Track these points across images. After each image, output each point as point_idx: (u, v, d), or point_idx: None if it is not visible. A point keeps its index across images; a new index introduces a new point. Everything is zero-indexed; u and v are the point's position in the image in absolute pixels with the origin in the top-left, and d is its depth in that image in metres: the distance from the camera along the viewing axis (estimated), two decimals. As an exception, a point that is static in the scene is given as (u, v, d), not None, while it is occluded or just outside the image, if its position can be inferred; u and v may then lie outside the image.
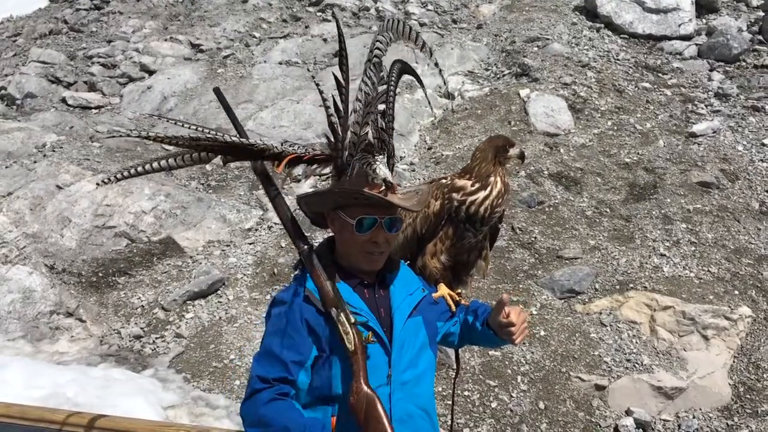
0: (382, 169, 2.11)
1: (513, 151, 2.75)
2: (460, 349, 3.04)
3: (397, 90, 2.35)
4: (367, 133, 2.20)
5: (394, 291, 2.32)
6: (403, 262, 2.53)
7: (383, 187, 2.14)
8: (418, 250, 2.80)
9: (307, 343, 2.12)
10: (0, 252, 6.99)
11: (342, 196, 2.18)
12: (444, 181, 2.75)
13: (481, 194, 2.64)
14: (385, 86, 2.27)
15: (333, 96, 2.23)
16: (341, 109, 2.22)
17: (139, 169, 2.25)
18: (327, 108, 2.22)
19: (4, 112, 10.77)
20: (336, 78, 2.23)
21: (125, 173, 2.25)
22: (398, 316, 2.25)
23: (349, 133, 2.21)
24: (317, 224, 2.45)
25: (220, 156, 2.29)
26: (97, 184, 2.35)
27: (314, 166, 2.36)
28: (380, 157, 2.17)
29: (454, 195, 2.66)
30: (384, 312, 2.26)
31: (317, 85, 2.31)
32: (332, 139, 2.24)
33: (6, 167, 8.23)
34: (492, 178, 2.65)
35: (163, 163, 2.27)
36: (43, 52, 12.21)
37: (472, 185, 2.65)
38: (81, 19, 14.05)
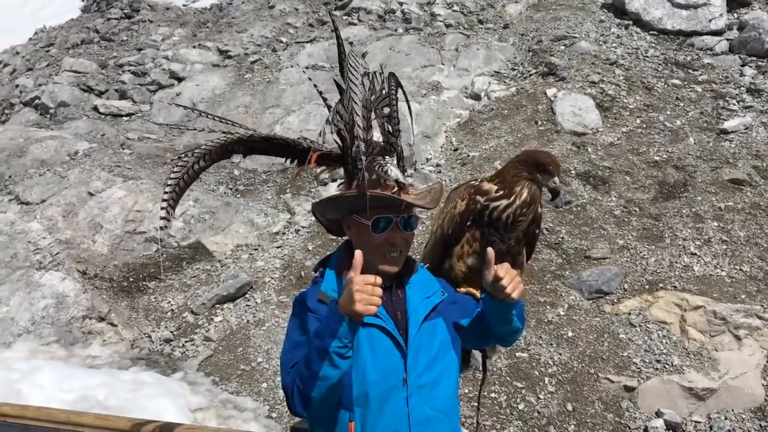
0: (392, 170, 2.13)
1: (544, 180, 2.55)
2: (488, 355, 3.00)
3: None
4: (372, 136, 2.22)
5: (411, 294, 2.32)
6: (422, 265, 2.53)
7: (395, 188, 2.16)
8: (445, 252, 2.79)
9: None
10: (34, 258, 7.14)
11: (355, 199, 2.20)
12: (473, 182, 2.70)
13: (503, 202, 2.55)
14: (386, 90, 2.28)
15: (335, 103, 2.25)
16: (344, 114, 2.24)
17: (180, 182, 2.24)
18: (336, 114, 2.24)
19: (38, 121, 11.00)
20: (337, 83, 2.25)
21: (172, 195, 2.23)
22: (413, 319, 2.25)
23: (355, 138, 2.23)
24: (332, 232, 2.48)
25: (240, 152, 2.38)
26: (161, 228, 2.28)
27: (327, 168, 2.39)
28: (390, 158, 2.19)
29: (478, 197, 2.60)
30: (401, 315, 2.28)
31: (320, 93, 2.34)
32: (340, 146, 2.27)
33: (39, 175, 8.40)
34: (517, 188, 2.54)
35: (196, 167, 2.29)
36: (76, 62, 12.45)
37: (497, 191, 2.57)
38: (112, 28, 14.31)
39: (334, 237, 6.99)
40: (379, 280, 1.93)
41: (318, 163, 2.38)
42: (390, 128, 2.28)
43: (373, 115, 2.27)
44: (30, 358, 5.76)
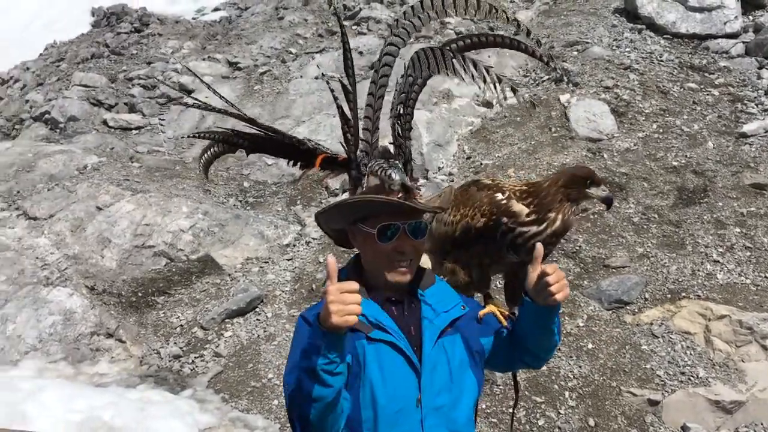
0: (397, 174, 1.99)
1: (595, 192, 2.37)
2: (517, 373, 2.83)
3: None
4: (377, 139, 2.10)
5: (426, 307, 2.17)
6: (440, 278, 2.36)
7: (401, 193, 2.01)
8: (451, 251, 2.61)
9: None
10: (42, 274, 7.04)
11: (359, 205, 2.06)
12: (499, 196, 2.45)
13: (533, 229, 2.35)
14: (403, 84, 2.14)
15: (341, 105, 2.12)
16: (350, 117, 2.11)
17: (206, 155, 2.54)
18: (341, 116, 2.12)
19: (48, 136, 10.94)
20: (343, 85, 2.12)
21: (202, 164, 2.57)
22: (428, 334, 2.09)
23: (360, 141, 2.11)
24: (340, 243, 2.33)
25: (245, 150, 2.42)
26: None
27: (332, 173, 2.27)
28: (395, 162, 2.05)
29: (504, 219, 2.40)
30: (414, 330, 2.12)
31: (332, 91, 2.22)
32: (346, 149, 2.14)
33: (48, 190, 8.31)
34: (552, 214, 2.34)
35: (210, 152, 2.52)
36: (85, 76, 12.40)
37: (528, 215, 2.37)
38: (122, 42, 14.28)
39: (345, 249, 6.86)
40: (355, 285, 1.76)
41: (322, 167, 2.25)
42: (399, 130, 2.15)
43: (382, 116, 2.15)
44: (37, 377, 5.64)
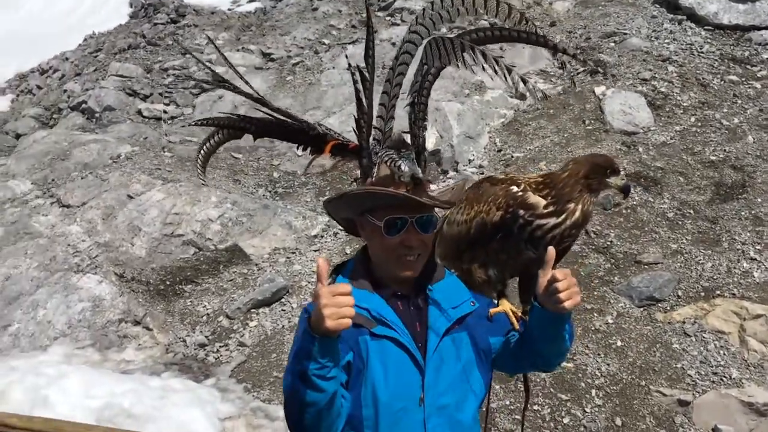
0: (408, 165, 1.91)
1: (614, 181, 2.28)
2: (528, 374, 2.74)
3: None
4: (392, 128, 2.02)
5: (434, 303, 2.09)
6: (450, 272, 2.28)
7: (411, 185, 1.94)
8: (466, 251, 2.52)
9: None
10: (73, 261, 7.13)
11: (364, 197, 1.99)
12: (514, 189, 2.34)
13: (552, 221, 2.25)
14: (418, 73, 2.06)
15: (357, 91, 2.05)
16: (365, 105, 2.03)
17: (202, 152, 2.39)
18: (357, 104, 2.05)
19: (84, 125, 11.10)
20: (360, 72, 2.04)
21: (198, 163, 2.41)
22: (434, 331, 2.02)
23: (373, 129, 2.04)
24: (351, 232, 2.27)
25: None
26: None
27: (342, 160, 2.20)
28: (407, 152, 1.97)
29: (521, 212, 2.29)
30: (420, 326, 2.04)
31: (352, 74, 2.14)
32: (358, 136, 2.07)
33: (81, 178, 8.42)
34: (571, 205, 2.23)
35: (213, 141, 2.37)
36: (122, 66, 12.55)
37: (545, 207, 2.26)
38: (158, 33, 14.40)
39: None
40: (348, 287, 1.69)
41: (333, 154, 2.18)
42: (413, 119, 2.07)
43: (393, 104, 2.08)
44: (64, 362, 5.71)
